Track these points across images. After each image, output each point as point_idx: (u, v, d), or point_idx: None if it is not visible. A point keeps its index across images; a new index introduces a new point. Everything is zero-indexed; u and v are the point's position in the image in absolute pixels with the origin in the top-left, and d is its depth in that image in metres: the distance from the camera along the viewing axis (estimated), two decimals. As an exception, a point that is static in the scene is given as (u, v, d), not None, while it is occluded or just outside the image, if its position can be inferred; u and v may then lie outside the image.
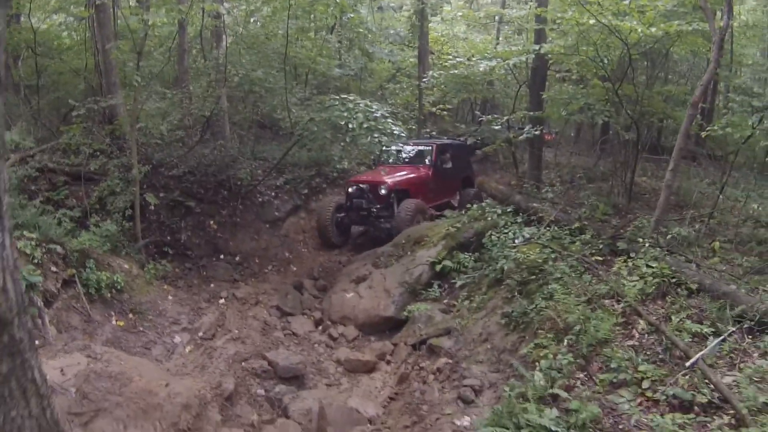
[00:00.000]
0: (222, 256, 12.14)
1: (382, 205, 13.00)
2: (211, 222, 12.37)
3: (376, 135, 10.36)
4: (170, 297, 9.87)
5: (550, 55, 11.35)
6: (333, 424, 7.17)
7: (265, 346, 9.12)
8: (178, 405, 6.64)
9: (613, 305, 6.67)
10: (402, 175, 13.76)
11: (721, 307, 6.20)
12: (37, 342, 7.29)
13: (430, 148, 14.49)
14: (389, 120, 10.67)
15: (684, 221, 8.80)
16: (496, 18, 20.20)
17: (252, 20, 12.54)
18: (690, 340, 5.80)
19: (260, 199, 13.38)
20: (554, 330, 6.48)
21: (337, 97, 10.84)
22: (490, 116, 12.57)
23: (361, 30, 15.76)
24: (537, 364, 6.01)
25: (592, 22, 8.77)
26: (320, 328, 10.20)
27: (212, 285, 11.25)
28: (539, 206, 9.94)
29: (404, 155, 14.69)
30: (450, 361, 7.99)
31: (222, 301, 10.66)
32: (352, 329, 9.91)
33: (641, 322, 6.19)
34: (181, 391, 6.88)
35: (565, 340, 6.18)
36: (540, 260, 7.99)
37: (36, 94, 13.30)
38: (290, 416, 7.45)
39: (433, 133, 17.28)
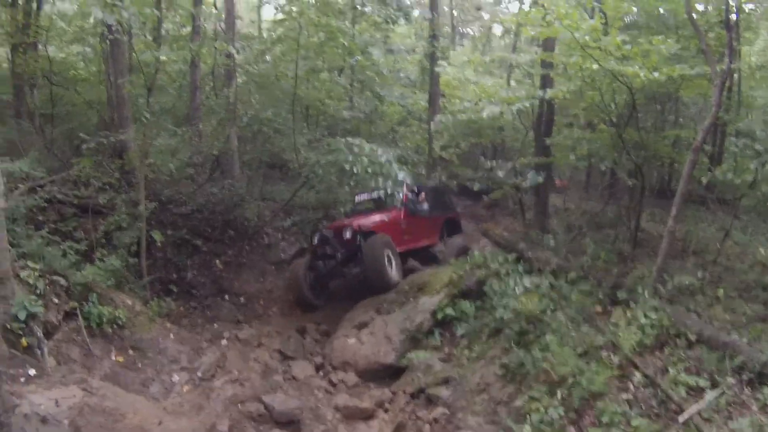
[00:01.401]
0: (227, 296, 12.20)
1: (347, 249, 12.02)
2: (217, 261, 12.48)
3: (380, 179, 10.46)
4: (172, 335, 9.90)
5: (555, 101, 11.45)
6: (324, 473, 7.15)
7: (264, 389, 9.08)
8: (170, 444, 6.71)
9: (609, 357, 6.64)
10: (369, 218, 12.91)
11: (720, 358, 6.16)
12: (34, 372, 7.37)
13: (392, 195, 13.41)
14: (394, 165, 10.76)
15: (687, 269, 8.73)
16: (504, 62, 20.33)
17: (264, 58, 12.74)
18: (686, 393, 5.75)
19: (266, 241, 13.51)
20: (548, 382, 6.45)
21: (343, 140, 10.98)
22: (494, 162, 12.58)
23: (369, 72, 15.88)
24: (528, 417, 5.98)
25: (595, 67, 8.87)
26: (321, 373, 10.15)
27: (216, 325, 11.29)
28: (541, 254, 9.94)
29: (375, 202, 13.83)
30: (447, 411, 7.96)
31: (224, 342, 10.67)
32: (353, 375, 9.86)
33: (637, 374, 6.16)
34: (175, 429, 6.93)
35: (558, 393, 6.15)
36: (538, 311, 7.98)
37: (50, 123, 13.52)
38: (283, 463, 7.46)
39: (442, 177, 17.33)
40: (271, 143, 13.25)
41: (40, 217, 10.53)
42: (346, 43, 11.84)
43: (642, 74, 8.91)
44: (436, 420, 7.94)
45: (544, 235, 11.53)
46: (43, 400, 6.51)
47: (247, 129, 13.10)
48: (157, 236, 10.77)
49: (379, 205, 13.56)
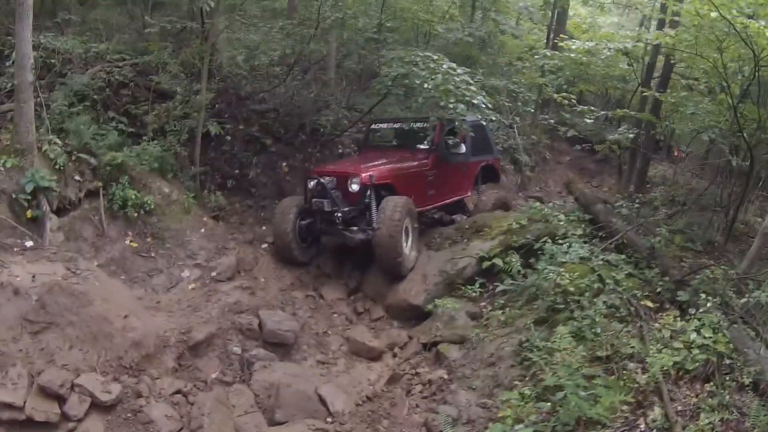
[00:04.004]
0: (285, 201, 11.08)
1: (352, 207, 8.52)
2: (284, 164, 11.28)
3: (452, 101, 8.49)
4: (203, 230, 8.92)
5: (673, 57, 8.91)
6: (284, 407, 6.02)
7: (274, 303, 7.99)
8: (129, 340, 6.02)
9: (634, 374, 4.75)
10: (386, 163, 9.28)
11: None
12: (31, 243, 6.76)
13: (432, 125, 9.67)
14: (471, 87, 8.70)
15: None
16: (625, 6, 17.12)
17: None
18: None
19: (340, 150, 12.08)
20: (541, 384, 4.70)
21: (420, 54, 9.11)
22: (585, 108, 10.17)
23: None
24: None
25: (714, 15, 6.35)
26: (352, 298, 8.93)
27: (264, 227, 10.21)
28: (613, 222, 7.89)
29: (398, 136, 10.38)
30: (446, 376, 6.49)
31: (265, 245, 9.59)
32: (380, 308, 8.55)
33: (656, 409, 4.28)
34: (137, 327, 6.18)
35: (543, 405, 4.39)
36: (578, 288, 6.11)
37: (148, 8, 12.52)
38: (251, 385, 6.42)
39: (551, 120, 14.90)
40: (361, 53, 11.51)
41: (98, 96, 9.49)
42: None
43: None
44: (430, 382, 6.56)
45: (643, 200, 9.24)
46: (22, 272, 6.12)
47: (330, 32, 11.44)
48: (213, 128, 9.64)
49: (406, 138, 10.21)
